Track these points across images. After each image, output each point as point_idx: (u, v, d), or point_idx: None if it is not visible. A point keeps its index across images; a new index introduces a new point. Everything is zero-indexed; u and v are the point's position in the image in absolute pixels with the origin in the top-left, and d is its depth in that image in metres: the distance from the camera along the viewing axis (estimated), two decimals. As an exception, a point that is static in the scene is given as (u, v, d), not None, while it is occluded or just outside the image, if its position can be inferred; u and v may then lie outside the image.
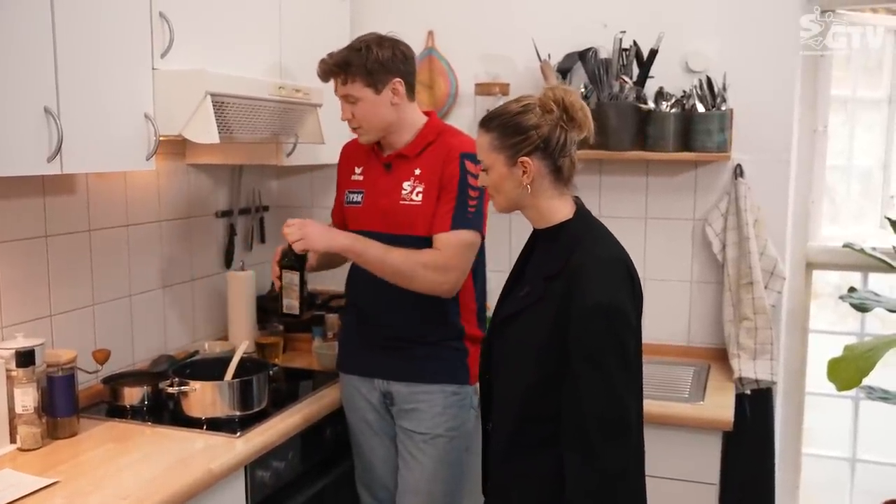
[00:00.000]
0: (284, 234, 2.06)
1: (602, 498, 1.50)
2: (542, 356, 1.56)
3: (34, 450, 1.89)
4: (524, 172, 1.58)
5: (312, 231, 2.05)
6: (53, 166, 1.70)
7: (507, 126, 1.58)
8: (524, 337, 1.61)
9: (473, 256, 2.10)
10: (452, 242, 2.05)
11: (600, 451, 1.50)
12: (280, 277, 2.12)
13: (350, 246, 2.06)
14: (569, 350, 1.52)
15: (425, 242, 2.09)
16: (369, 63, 2.04)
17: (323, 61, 2.10)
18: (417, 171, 2.12)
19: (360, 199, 2.22)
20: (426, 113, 2.20)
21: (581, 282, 1.53)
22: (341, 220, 2.30)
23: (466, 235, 2.06)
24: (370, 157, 2.22)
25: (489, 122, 1.62)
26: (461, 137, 2.16)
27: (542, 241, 1.67)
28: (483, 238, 2.12)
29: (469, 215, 2.05)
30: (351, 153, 2.29)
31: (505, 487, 1.69)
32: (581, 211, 1.65)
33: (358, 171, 2.25)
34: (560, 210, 1.63)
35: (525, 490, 1.63)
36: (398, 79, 2.07)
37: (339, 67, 2.07)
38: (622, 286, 1.57)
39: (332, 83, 2.13)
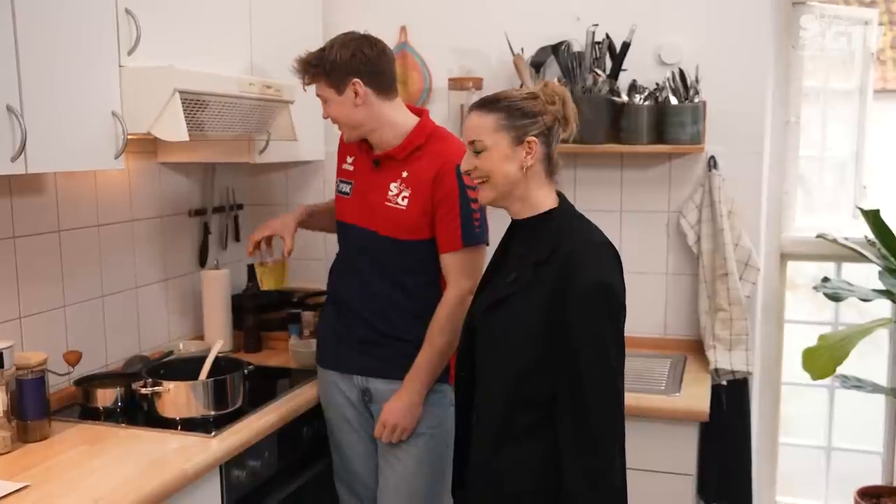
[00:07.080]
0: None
1: (597, 478, 1.53)
2: (535, 340, 1.58)
3: (4, 454, 1.86)
4: (528, 153, 1.60)
5: (407, 425, 2.12)
6: (17, 166, 1.67)
7: (516, 109, 1.60)
8: (514, 322, 1.62)
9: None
10: (467, 259, 2.09)
11: (597, 430, 1.52)
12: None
13: (424, 389, 2.12)
14: (563, 332, 1.53)
15: (403, 246, 2.11)
16: (327, 64, 2.05)
17: (295, 59, 2.11)
18: (405, 174, 2.11)
19: (348, 189, 2.22)
20: (418, 112, 2.18)
21: (577, 264, 1.56)
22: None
23: (479, 250, 2.11)
24: (361, 150, 2.21)
25: (494, 103, 1.62)
26: (451, 144, 2.12)
27: (523, 231, 1.68)
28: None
29: (477, 229, 2.09)
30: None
31: (495, 476, 1.67)
32: (564, 201, 1.69)
33: (350, 160, 2.24)
34: (546, 199, 1.66)
35: (518, 476, 1.63)
36: (356, 79, 2.04)
37: (303, 67, 2.09)
38: (615, 268, 1.62)
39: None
